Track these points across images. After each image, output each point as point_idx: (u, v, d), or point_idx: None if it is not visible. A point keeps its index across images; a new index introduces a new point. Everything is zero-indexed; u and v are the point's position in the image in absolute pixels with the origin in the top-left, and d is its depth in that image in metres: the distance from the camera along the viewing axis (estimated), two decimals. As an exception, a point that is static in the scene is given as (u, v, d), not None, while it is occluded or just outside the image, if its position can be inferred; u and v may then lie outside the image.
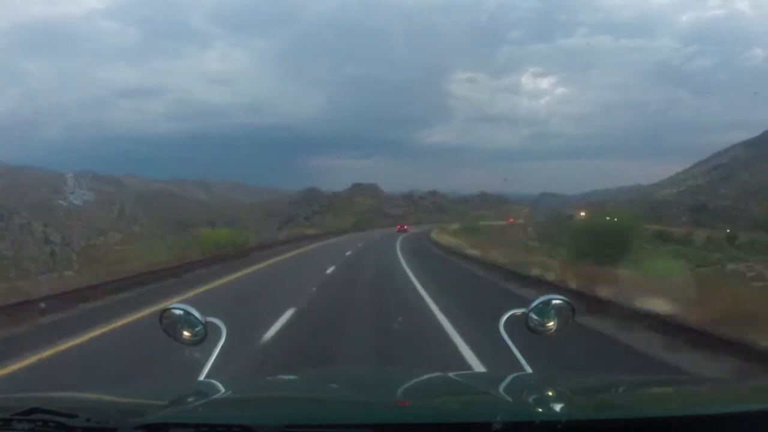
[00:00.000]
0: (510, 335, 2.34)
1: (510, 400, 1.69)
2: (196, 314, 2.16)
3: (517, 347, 2.27)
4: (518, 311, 2.34)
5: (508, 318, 2.43)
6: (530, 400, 1.69)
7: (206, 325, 2.18)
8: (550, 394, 1.80)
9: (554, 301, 2.29)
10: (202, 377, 2.18)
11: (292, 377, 2.74)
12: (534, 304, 2.27)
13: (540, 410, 1.56)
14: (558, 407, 1.58)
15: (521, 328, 2.29)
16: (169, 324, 2.21)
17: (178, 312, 2.18)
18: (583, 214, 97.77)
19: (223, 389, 1.89)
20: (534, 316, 2.28)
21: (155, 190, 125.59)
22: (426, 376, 2.16)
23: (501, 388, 1.81)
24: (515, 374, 2.05)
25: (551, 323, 2.29)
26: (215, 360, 2.25)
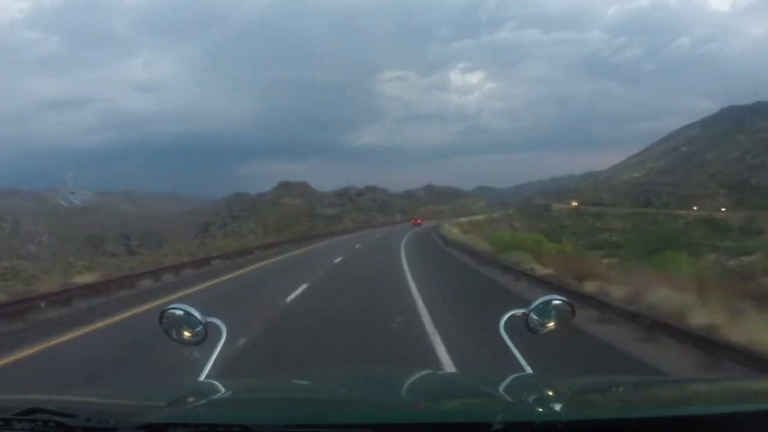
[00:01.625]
0: (510, 336, 2.40)
1: (510, 400, 1.77)
2: (196, 314, 2.20)
3: (516, 348, 2.34)
4: (518, 312, 2.39)
5: (508, 318, 2.47)
6: (530, 400, 1.77)
7: (206, 325, 2.22)
8: (550, 394, 1.89)
9: (554, 302, 2.35)
10: (202, 377, 2.22)
11: (291, 377, 2.78)
12: (534, 304, 2.33)
13: (540, 410, 1.60)
14: (558, 407, 1.62)
15: (521, 328, 2.36)
16: (169, 324, 2.23)
17: (178, 312, 2.21)
18: (575, 203, 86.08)
19: (223, 389, 1.95)
20: (534, 317, 2.33)
21: (79, 203, 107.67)
22: (426, 376, 2.22)
23: (501, 388, 1.88)
24: (515, 374, 2.12)
25: (551, 324, 2.33)
26: (215, 360, 2.29)
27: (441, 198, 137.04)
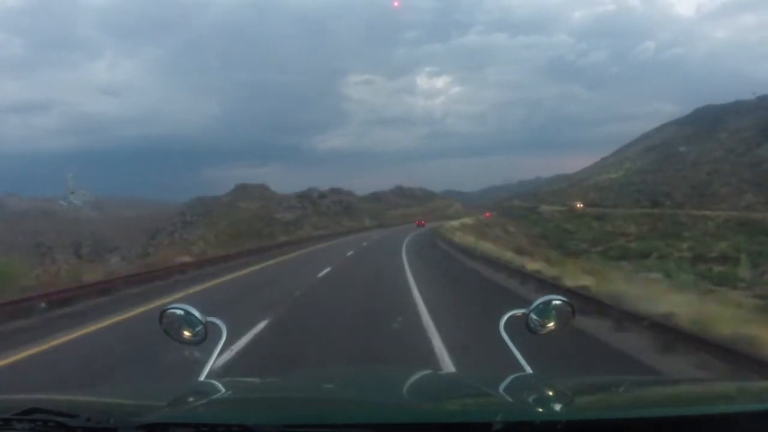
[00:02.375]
0: (510, 336, 2.43)
1: (510, 400, 1.81)
2: (197, 314, 2.22)
3: (516, 348, 2.38)
4: (518, 312, 2.43)
5: (508, 318, 2.50)
6: (530, 400, 1.81)
7: (206, 325, 2.24)
8: (550, 394, 1.93)
9: (554, 302, 2.37)
10: (202, 377, 2.24)
11: (292, 377, 2.86)
12: (534, 304, 2.36)
13: (540, 410, 1.63)
14: (558, 407, 1.65)
15: (521, 328, 2.39)
16: (169, 324, 2.24)
17: (178, 312, 2.23)
18: (580, 205, 75.93)
19: (223, 389, 1.98)
20: (534, 317, 2.36)
21: (40, 208, 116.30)
22: (426, 376, 2.26)
23: (501, 388, 1.92)
24: (515, 374, 2.16)
25: (551, 324, 2.36)
26: (216, 359, 2.32)
27: (411, 200, 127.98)
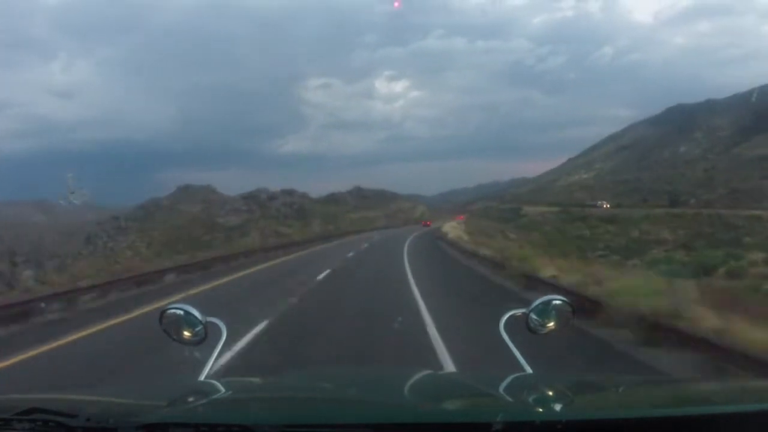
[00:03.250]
0: (510, 336, 2.47)
1: (510, 400, 1.86)
2: (197, 314, 2.25)
3: (517, 348, 2.42)
4: (518, 312, 2.47)
5: (508, 318, 2.54)
6: (530, 400, 1.86)
7: (206, 325, 2.27)
8: (550, 394, 1.98)
9: (554, 302, 2.40)
10: (202, 377, 2.26)
11: (292, 377, 2.88)
12: (534, 304, 2.40)
13: (540, 410, 1.67)
14: (558, 407, 1.69)
15: (521, 328, 2.42)
16: (169, 324, 2.26)
17: (178, 312, 2.26)
18: (606, 205, 66.20)
19: (223, 389, 2.01)
20: (534, 317, 2.40)
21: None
22: (426, 377, 2.29)
23: (501, 388, 1.97)
24: (515, 374, 2.20)
25: (551, 324, 2.40)
26: (216, 359, 2.36)
27: (371, 202, 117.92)
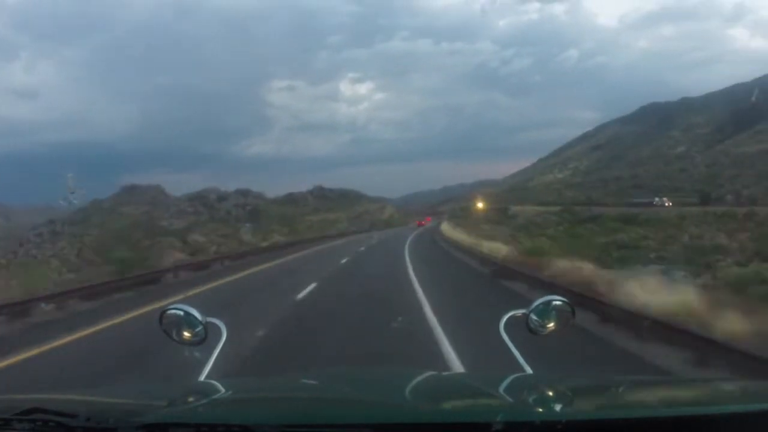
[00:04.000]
0: (510, 336, 2.50)
1: (510, 400, 1.88)
2: (196, 314, 2.27)
3: (517, 348, 2.45)
4: (518, 312, 2.49)
5: (508, 319, 2.56)
6: (530, 400, 1.86)
7: (206, 325, 2.29)
8: (550, 394, 1.99)
9: (554, 302, 2.41)
10: (202, 377, 2.28)
11: (292, 377, 2.93)
12: (534, 305, 2.42)
13: (540, 410, 1.69)
14: (558, 407, 1.70)
15: (521, 329, 2.44)
16: (168, 324, 2.29)
17: (178, 312, 2.28)
18: (669, 203, 57.52)
19: (223, 389, 2.02)
20: (534, 317, 2.41)
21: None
22: (426, 376, 2.28)
23: (501, 388, 1.98)
24: (515, 374, 2.23)
25: (551, 324, 2.41)
26: (216, 359, 2.39)
27: (333, 203, 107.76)
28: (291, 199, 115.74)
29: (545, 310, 2.37)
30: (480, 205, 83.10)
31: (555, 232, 45.93)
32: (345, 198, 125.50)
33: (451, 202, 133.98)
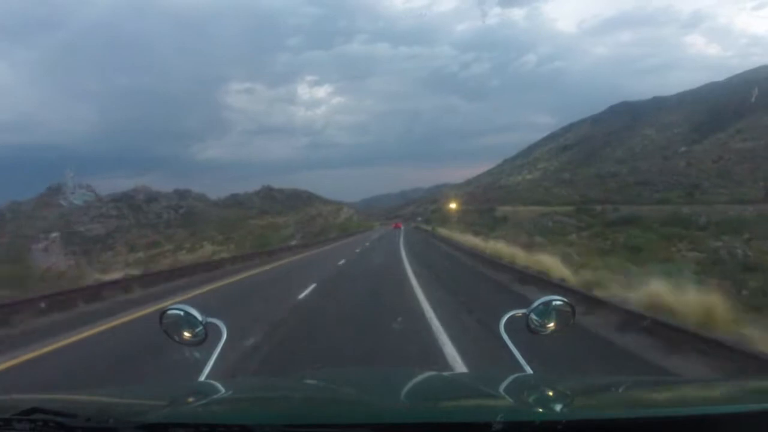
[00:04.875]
0: (510, 336, 2.53)
1: (510, 400, 1.88)
2: (197, 315, 2.27)
3: (517, 348, 2.50)
4: (519, 312, 2.51)
5: (508, 319, 2.57)
6: (530, 400, 1.87)
7: (206, 325, 2.30)
8: (550, 394, 2.00)
9: (554, 302, 2.43)
10: (202, 377, 2.28)
11: (292, 377, 2.83)
12: (534, 305, 2.44)
13: (540, 410, 1.69)
14: (558, 407, 1.70)
15: (521, 328, 2.49)
16: (169, 324, 2.29)
17: (178, 312, 2.27)
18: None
19: (223, 389, 2.00)
20: (534, 317, 2.43)
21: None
22: (426, 376, 2.30)
23: (501, 388, 2.00)
24: (515, 374, 2.25)
25: (551, 324, 2.43)
26: (216, 360, 2.41)
27: (282, 205, 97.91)
28: (236, 201, 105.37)
29: (545, 310, 2.38)
30: (453, 206, 76.02)
31: (589, 240, 36.26)
32: (297, 199, 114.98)
33: (411, 206, 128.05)
